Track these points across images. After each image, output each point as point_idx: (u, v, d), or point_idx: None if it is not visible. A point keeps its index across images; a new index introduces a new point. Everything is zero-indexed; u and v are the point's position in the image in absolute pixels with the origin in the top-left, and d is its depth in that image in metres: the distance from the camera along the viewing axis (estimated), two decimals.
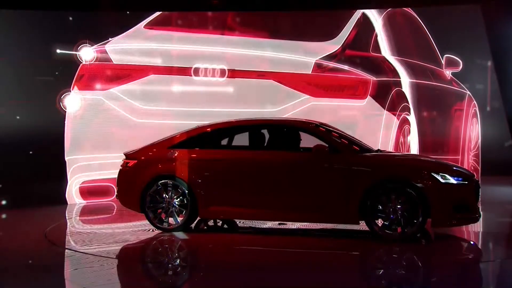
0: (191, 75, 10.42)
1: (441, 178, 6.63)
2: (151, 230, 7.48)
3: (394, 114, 10.68)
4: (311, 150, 7.09)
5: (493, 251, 7.03)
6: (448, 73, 11.83)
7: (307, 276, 5.61)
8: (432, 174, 6.65)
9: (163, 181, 7.31)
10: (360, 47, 10.83)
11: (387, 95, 10.61)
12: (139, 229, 7.73)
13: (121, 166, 7.63)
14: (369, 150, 7.42)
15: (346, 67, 10.51)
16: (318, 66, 10.31)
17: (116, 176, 7.71)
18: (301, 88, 10.26)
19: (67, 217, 8.98)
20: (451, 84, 12.07)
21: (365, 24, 10.95)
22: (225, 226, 8.00)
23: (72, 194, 10.07)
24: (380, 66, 10.87)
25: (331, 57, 10.50)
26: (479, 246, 7.20)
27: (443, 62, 11.83)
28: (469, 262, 6.46)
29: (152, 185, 7.33)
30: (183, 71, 10.44)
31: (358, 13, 10.97)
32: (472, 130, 12.36)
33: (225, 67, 10.44)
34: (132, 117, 10.28)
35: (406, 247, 6.53)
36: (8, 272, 5.94)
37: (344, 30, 10.67)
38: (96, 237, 7.34)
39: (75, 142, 10.14)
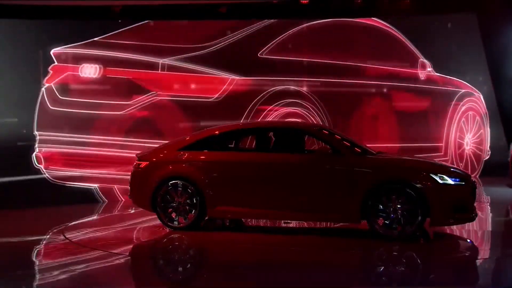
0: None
1: (440, 179, 6.83)
2: (162, 229, 7.70)
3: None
4: (314, 152, 7.32)
5: (489, 249, 7.26)
6: (422, 74, 12.22)
7: (310, 273, 5.79)
8: (431, 175, 6.86)
9: (173, 181, 7.50)
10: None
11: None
12: (151, 227, 7.97)
13: (133, 167, 7.85)
14: (370, 152, 7.61)
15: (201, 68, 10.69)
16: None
17: None
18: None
19: (82, 216, 9.06)
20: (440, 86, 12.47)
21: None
22: (233, 225, 8.21)
23: None
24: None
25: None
26: (476, 244, 7.38)
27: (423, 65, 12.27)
28: (466, 259, 6.64)
29: (163, 185, 7.52)
30: None
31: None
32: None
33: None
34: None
35: (406, 246, 6.70)
36: (22, 268, 6.13)
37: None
38: (109, 235, 7.56)
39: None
